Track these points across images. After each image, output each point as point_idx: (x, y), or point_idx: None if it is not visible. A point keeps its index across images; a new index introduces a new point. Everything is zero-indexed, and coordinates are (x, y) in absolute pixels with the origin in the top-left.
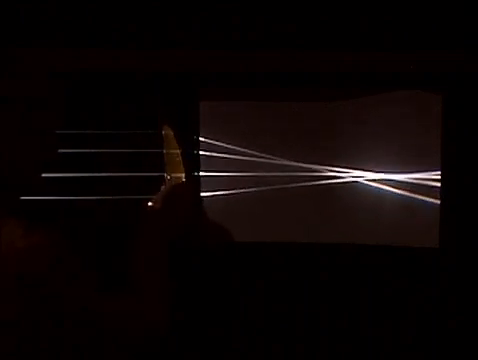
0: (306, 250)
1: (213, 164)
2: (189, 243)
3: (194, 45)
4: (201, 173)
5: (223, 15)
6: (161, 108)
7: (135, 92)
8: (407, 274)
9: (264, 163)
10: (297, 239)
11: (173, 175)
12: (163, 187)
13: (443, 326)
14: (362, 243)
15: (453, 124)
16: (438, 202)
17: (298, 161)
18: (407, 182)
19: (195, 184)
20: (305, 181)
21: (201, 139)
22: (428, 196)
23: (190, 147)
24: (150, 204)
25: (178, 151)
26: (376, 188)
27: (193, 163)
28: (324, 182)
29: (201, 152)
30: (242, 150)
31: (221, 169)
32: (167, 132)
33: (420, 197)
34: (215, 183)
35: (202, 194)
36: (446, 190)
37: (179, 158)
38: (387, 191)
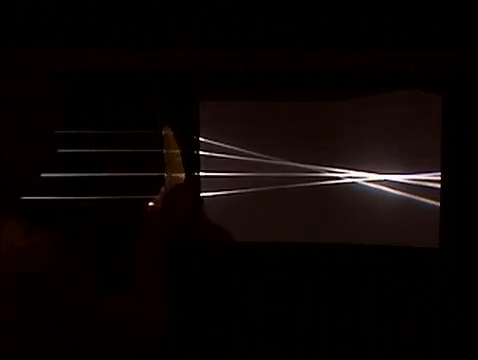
0: (306, 250)
1: (213, 164)
2: (189, 243)
3: (194, 45)
4: (201, 173)
5: (223, 15)
6: (161, 108)
7: (135, 92)
8: (407, 274)
9: (263, 163)
10: (297, 239)
11: (173, 175)
12: (163, 187)
13: (443, 326)
14: (362, 243)
15: (453, 124)
16: (438, 202)
17: (298, 162)
18: (407, 183)
19: (195, 184)
20: (305, 181)
21: (201, 139)
22: (428, 197)
23: (190, 147)
24: (151, 204)
25: (178, 151)
26: (376, 189)
27: (193, 163)
28: (323, 183)
29: (201, 152)
30: (242, 150)
31: (221, 169)
32: (167, 132)
33: (420, 198)
34: (215, 183)
35: (202, 194)
36: (446, 190)
37: (179, 158)
38: (387, 192)
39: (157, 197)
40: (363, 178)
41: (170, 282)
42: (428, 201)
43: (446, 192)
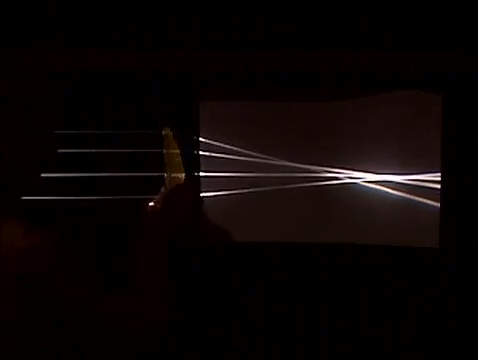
0: (306, 250)
1: (213, 164)
2: (189, 243)
3: (194, 45)
4: (201, 173)
5: (223, 15)
6: (161, 108)
7: (135, 92)
8: (407, 274)
9: (263, 164)
10: (297, 239)
11: (173, 175)
12: (163, 187)
13: (443, 326)
14: (362, 243)
15: (453, 124)
16: (438, 203)
17: (298, 162)
18: (407, 184)
19: (195, 184)
20: (304, 182)
21: (201, 139)
22: (428, 197)
23: (190, 147)
24: (151, 204)
25: (178, 151)
26: (376, 189)
27: (193, 163)
28: (323, 183)
29: (201, 152)
30: (242, 151)
31: (221, 169)
32: (167, 132)
33: (420, 198)
34: (215, 183)
35: (202, 194)
36: (446, 190)
37: (179, 158)
38: (387, 192)
39: (157, 197)
40: (363, 178)
41: (170, 282)
42: (428, 201)
43: (446, 192)
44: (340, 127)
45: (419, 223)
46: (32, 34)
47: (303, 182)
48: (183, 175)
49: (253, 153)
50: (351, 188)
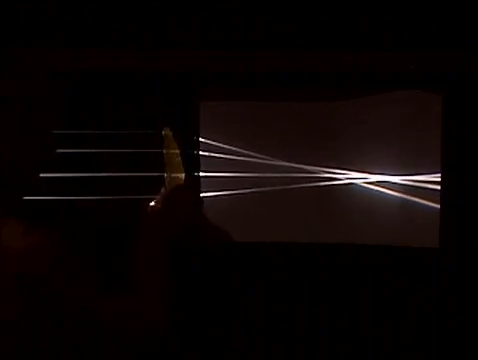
0: (306, 250)
1: (213, 164)
2: (189, 243)
3: (194, 45)
4: (201, 173)
5: (223, 15)
6: (161, 108)
7: (135, 92)
8: (407, 274)
9: (263, 164)
10: (297, 239)
11: (173, 175)
12: (163, 188)
13: (443, 326)
14: (362, 243)
15: (453, 124)
16: (438, 203)
17: (297, 162)
18: (407, 184)
19: (195, 184)
20: (304, 182)
21: (201, 139)
22: (428, 197)
23: (190, 147)
24: (152, 204)
25: (178, 151)
26: (376, 190)
27: (193, 163)
28: (323, 184)
29: (201, 152)
30: (242, 151)
31: (221, 169)
32: (167, 132)
33: (420, 199)
34: (215, 183)
35: (202, 194)
36: (446, 190)
37: (179, 158)
38: (387, 192)
39: (157, 197)
40: (363, 179)
41: (170, 282)
42: (428, 201)
43: (446, 192)
44: (340, 127)
45: (419, 223)
46: (32, 34)
47: (303, 182)
48: (183, 175)
49: (253, 153)
50: (351, 188)
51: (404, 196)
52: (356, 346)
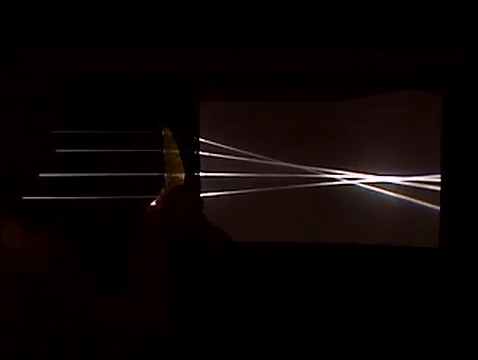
0: (306, 250)
1: (213, 164)
2: (189, 243)
3: (194, 45)
4: (201, 173)
5: (223, 15)
6: (161, 108)
7: (135, 92)
8: (407, 274)
9: (262, 164)
10: (297, 239)
11: (173, 175)
12: (163, 188)
13: (443, 326)
14: (362, 243)
15: (453, 124)
16: (438, 203)
17: (297, 163)
18: (407, 185)
19: (195, 184)
20: (304, 183)
21: (201, 139)
22: (427, 198)
23: (190, 147)
24: (153, 204)
25: (178, 151)
26: (376, 190)
27: (193, 163)
28: (323, 184)
29: (201, 152)
30: (242, 151)
31: (221, 169)
32: (167, 132)
33: (420, 199)
34: (215, 183)
35: (202, 194)
36: (446, 190)
37: (179, 158)
38: (387, 193)
39: (157, 197)
40: (363, 179)
41: (170, 282)
42: (428, 202)
43: (446, 192)
44: (340, 127)
45: (419, 224)
46: (32, 34)
47: (303, 183)
48: (183, 175)
49: (253, 153)
50: (351, 189)
51: (404, 197)
52: (356, 346)
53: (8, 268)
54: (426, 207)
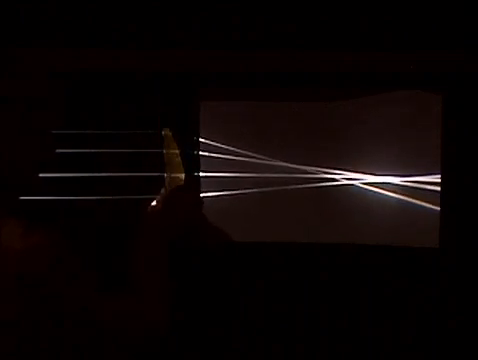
0: (306, 250)
1: (213, 164)
2: (189, 243)
3: (194, 45)
4: (201, 173)
5: (223, 15)
6: (161, 108)
7: (135, 92)
8: (407, 274)
9: (262, 164)
10: (297, 239)
11: (173, 175)
12: (163, 188)
13: (443, 326)
14: (362, 243)
15: (453, 124)
16: (438, 203)
17: (297, 163)
18: (407, 186)
19: (195, 184)
20: (304, 183)
21: (201, 139)
22: (427, 198)
23: (190, 147)
24: (153, 204)
25: (178, 151)
26: (376, 190)
27: (193, 163)
28: (323, 184)
29: (201, 152)
30: (242, 151)
31: (221, 169)
32: (167, 132)
33: (419, 199)
34: (215, 183)
35: (202, 194)
36: (446, 190)
37: (179, 158)
38: (387, 193)
39: (157, 197)
40: (363, 180)
41: (170, 282)
42: (428, 202)
43: (446, 192)
44: (340, 127)
45: (419, 224)
46: (32, 34)
47: (303, 183)
48: (183, 175)
49: (253, 153)
50: (351, 189)
51: (404, 197)
52: (356, 346)
53: (8, 268)
54: (426, 207)
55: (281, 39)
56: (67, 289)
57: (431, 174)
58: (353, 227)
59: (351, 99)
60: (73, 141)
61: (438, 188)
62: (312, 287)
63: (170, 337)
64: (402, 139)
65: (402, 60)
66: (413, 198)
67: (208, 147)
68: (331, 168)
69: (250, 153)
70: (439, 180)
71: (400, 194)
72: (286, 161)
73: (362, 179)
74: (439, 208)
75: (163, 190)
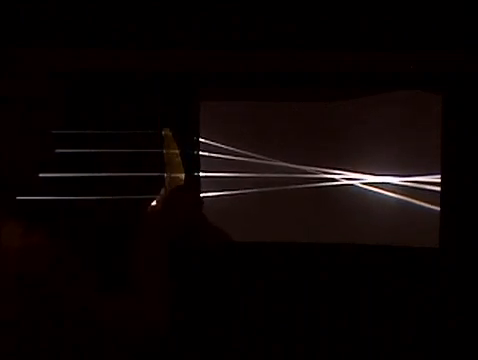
0: (306, 250)
1: (213, 164)
2: (189, 243)
3: (194, 45)
4: (201, 173)
5: (223, 15)
6: (161, 108)
7: (135, 92)
8: (407, 274)
9: (262, 164)
10: (297, 239)
11: (173, 175)
12: (163, 188)
13: (443, 326)
14: (362, 243)
15: (453, 124)
16: (438, 203)
17: (297, 163)
18: (407, 186)
19: (195, 184)
20: (304, 183)
21: (201, 139)
22: (427, 198)
23: (190, 147)
24: (153, 204)
25: (178, 151)
26: (376, 190)
27: (193, 163)
28: (323, 184)
29: (201, 152)
30: (242, 152)
31: (221, 169)
32: (167, 132)
33: (419, 199)
34: (215, 183)
35: (202, 194)
36: (446, 190)
37: (179, 158)
38: (387, 193)
39: (157, 197)
40: (363, 180)
41: (170, 282)
42: (428, 202)
43: (446, 192)
44: (340, 127)
45: (419, 224)
46: (32, 34)
47: (303, 183)
48: (183, 175)
49: (253, 153)
50: (351, 189)
51: (404, 197)
52: (356, 346)
53: (8, 268)
54: (426, 207)
55: (281, 39)
56: (67, 289)
57: (431, 174)
58: (353, 227)
59: (351, 99)
60: (73, 141)
61: (438, 188)
62: (312, 287)
63: (170, 337)
64: (402, 139)
65: (402, 60)
66: (413, 198)
67: (208, 147)
68: (331, 168)
69: (250, 153)
70: (439, 180)
71: (400, 194)
72: (286, 161)
73: (362, 179)
74: (439, 208)
75: (163, 190)
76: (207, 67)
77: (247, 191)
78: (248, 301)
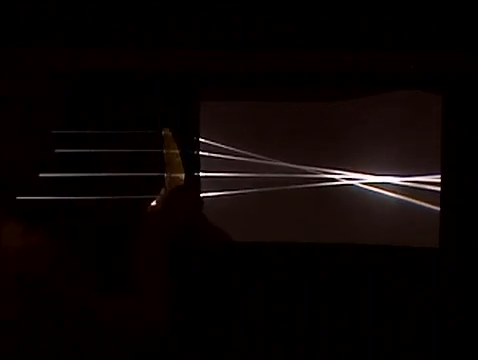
0: (306, 250)
1: (213, 164)
2: (189, 243)
3: (194, 45)
4: (201, 173)
5: (223, 15)
6: (161, 108)
7: (135, 92)
8: (407, 274)
9: (262, 164)
10: (297, 239)
11: (173, 175)
12: (163, 188)
13: (443, 326)
14: (362, 243)
15: (453, 124)
16: (438, 203)
17: (297, 163)
18: (407, 186)
19: (195, 184)
20: (304, 183)
21: (201, 139)
22: (427, 198)
23: (190, 147)
24: (153, 204)
25: (178, 151)
26: (376, 190)
27: (193, 163)
28: (323, 184)
29: (201, 152)
30: (242, 152)
31: (221, 169)
32: (167, 132)
33: (419, 199)
34: (215, 183)
35: (202, 194)
36: (446, 190)
37: (179, 158)
38: (387, 193)
39: (157, 197)
40: (363, 180)
41: (170, 282)
42: (428, 202)
43: (446, 192)
44: (340, 127)
45: (419, 224)
46: (32, 34)
47: (303, 183)
48: (183, 175)
49: (253, 153)
50: (351, 189)
51: (404, 197)
52: (356, 346)
53: (8, 268)
54: (426, 207)
55: (281, 39)
56: (67, 289)
57: (431, 174)
58: (353, 227)
59: (351, 99)
60: (73, 141)
61: (438, 188)
62: (312, 287)
63: (170, 337)
64: (402, 139)
65: (402, 60)
66: (413, 198)
67: (208, 147)
68: (331, 168)
69: (250, 153)
70: (439, 180)
71: (400, 194)
72: (286, 161)
73: (362, 179)
74: (439, 208)
75: (163, 190)
76: (207, 67)
77: (247, 191)
78: (248, 301)
